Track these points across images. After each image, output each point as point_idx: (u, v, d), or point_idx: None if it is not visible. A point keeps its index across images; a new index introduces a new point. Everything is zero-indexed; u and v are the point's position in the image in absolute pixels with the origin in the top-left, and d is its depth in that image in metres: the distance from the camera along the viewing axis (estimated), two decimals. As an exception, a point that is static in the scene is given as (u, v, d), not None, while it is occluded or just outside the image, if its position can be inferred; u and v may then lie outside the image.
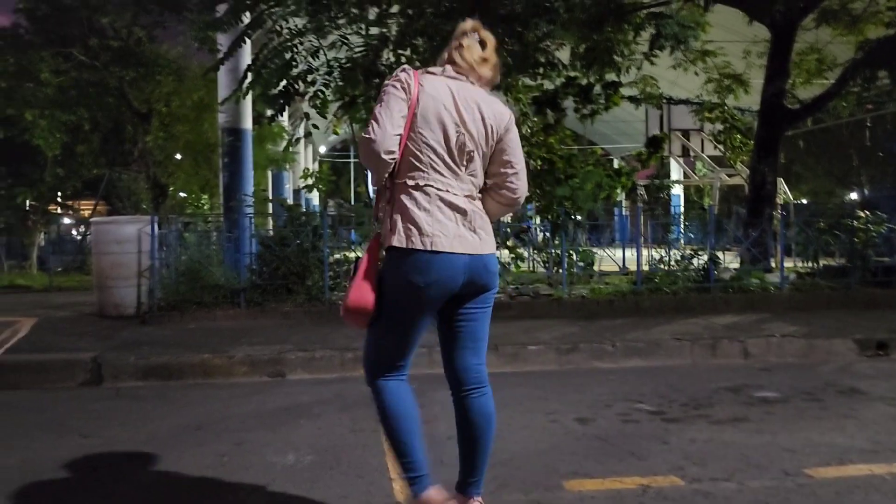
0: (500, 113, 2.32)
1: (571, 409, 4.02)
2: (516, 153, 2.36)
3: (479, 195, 2.34)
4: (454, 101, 2.25)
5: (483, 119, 2.28)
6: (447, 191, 2.23)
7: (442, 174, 2.23)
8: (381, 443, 3.33)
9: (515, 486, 2.82)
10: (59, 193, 16.46)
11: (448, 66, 2.35)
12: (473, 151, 2.27)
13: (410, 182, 2.23)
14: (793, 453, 3.20)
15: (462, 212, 2.24)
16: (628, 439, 3.46)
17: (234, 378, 4.95)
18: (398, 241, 2.20)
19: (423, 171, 2.22)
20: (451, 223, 2.21)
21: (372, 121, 2.21)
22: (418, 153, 2.22)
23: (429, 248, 2.17)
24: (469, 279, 2.25)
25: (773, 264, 8.76)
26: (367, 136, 2.19)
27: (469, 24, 2.40)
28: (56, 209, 17.30)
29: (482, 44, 2.38)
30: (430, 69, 2.34)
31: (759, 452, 3.22)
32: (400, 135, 2.19)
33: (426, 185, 2.22)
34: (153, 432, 3.70)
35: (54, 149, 13.58)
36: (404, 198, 2.22)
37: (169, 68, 13.53)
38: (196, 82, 14.10)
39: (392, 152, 2.18)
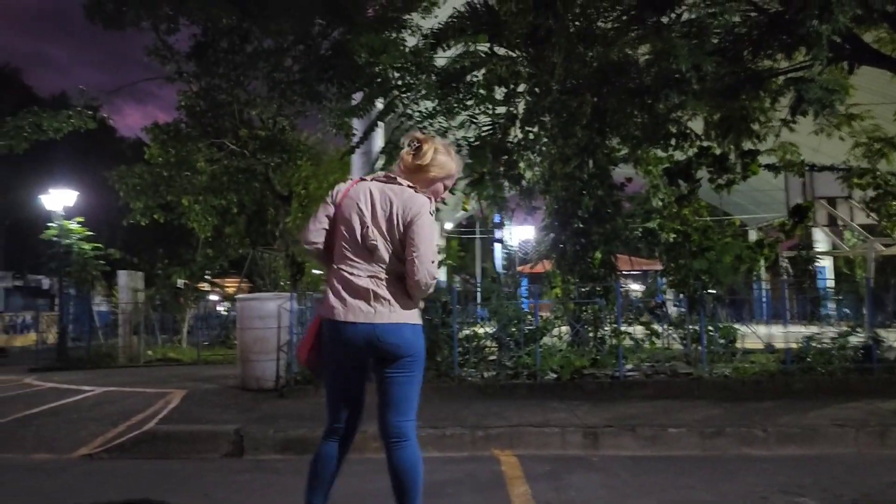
0: (408, 204, 2.73)
1: (723, 500, 3.70)
2: (417, 242, 2.70)
3: (386, 277, 2.74)
4: (370, 200, 2.76)
5: (392, 211, 2.73)
6: (352, 273, 2.75)
7: (352, 259, 2.76)
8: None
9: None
10: (208, 272, 17.64)
11: (381, 172, 2.88)
12: (376, 243, 2.73)
13: (333, 266, 2.82)
14: None
15: (360, 290, 2.73)
16: (792, 538, 3.11)
17: (367, 454, 4.95)
18: (318, 309, 2.85)
19: (339, 257, 2.80)
20: (350, 298, 2.73)
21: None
22: (337, 243, 2.81)
23: (331, 317, 2.74)
24: (370, 344, 2.73)
25: (945, 343, 7.86)
26: (300, 231, 2.93)
27: (413, 135, 2.86)
28: (204, 287, 18.51)
29: (418, 149, 2.80)
30: (366, 176, 2.88)
31: (953, 562, 2.80)
32: (322, 229, 2.83)
33: (339, 268, 2.79)
34: (290, 507, 3.74)
35: (206, 231, 14.69)
36: (328, 278, 2.85)
37: (308, 153, 14.44)
38: (332, 165, 14.96)
39: (313, 243, 2.85)
